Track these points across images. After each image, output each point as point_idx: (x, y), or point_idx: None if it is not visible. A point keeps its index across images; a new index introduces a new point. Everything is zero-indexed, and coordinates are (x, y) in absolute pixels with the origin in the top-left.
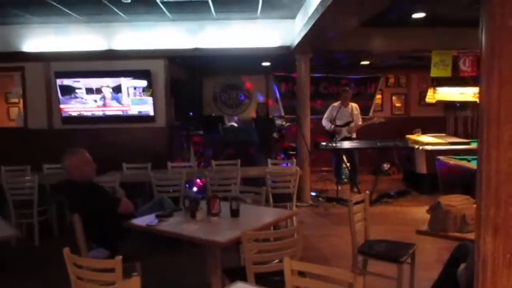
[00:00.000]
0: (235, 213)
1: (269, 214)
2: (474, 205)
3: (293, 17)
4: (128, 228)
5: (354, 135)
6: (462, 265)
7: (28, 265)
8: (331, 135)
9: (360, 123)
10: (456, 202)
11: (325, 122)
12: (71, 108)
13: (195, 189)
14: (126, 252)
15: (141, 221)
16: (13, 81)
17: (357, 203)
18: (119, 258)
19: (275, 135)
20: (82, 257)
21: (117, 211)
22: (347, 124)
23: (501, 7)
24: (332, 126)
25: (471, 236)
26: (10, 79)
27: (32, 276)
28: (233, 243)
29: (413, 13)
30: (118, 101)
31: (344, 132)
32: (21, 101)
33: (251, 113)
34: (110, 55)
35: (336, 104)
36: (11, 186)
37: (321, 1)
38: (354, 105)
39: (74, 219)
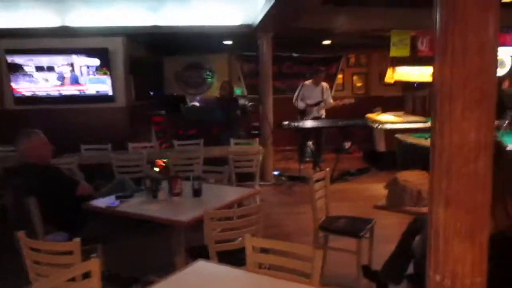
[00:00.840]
0: (197, 193)
1: (231, 193)
2: None
3: None
4: (88, 210)
5: (323, 115)
6: (418, 237)
7: None
8: (302, 114)
9: (331, 101)
10: (412, 177)
11: (297, 102)
12: (24, 88)
13: (156, 169)
14: (87, 235)
15: (101, 202)
16: None
17: (318, 180)
18: (77, 240)
19: (238, 112)
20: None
21: (76, 194)
22: (318, 103)
23: None
24: (304, 105)
25: (426, 209)
26: None
27: None
28: (196, 222)
29: None
30: (76, 80)
31: (314, 111)
32: None
33: (214, 92)
34: (64, 32)
35: (307, 82)
36: None
37: None
38: (325, 85)
39: (30, 202)
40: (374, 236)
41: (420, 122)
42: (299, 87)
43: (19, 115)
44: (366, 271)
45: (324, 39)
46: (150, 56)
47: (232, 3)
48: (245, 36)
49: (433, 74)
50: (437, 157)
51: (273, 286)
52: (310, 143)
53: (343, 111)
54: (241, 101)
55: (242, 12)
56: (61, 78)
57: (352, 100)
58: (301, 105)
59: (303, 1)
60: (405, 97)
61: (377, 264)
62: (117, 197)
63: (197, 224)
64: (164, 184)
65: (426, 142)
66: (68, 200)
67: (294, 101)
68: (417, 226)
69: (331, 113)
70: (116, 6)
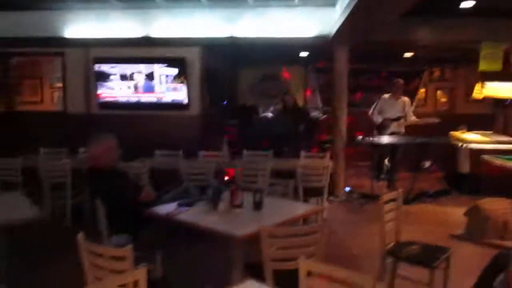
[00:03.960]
0: (258, 206)
1: (294, 209)
2: None
3: (333, 4)
4: (149, 216)
5: (403, 131)
6: (501, 276)
7: (58, 246)
8: (379, 129)
9: (412, 118)
10: (497, 206)
11: (374, 115)
12: (107, 94)
13: (223, 176)
14: (147, 240)
15: (162, 209)
16: (55, 66)
17: (389, 200)
18: (129, 247)
19: (301, 127)
20: (103, 242)
21: (138, 199)
22: (398, 119)
23: None
24: (381, 120)
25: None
26: (54, 65)
27: (60, 258)
28: (252, 237)
29: (462, 1)
30: (150, 88)
31: (393, 127)
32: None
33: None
34: (146, 42)
35: (386, 96)
36: (47, 168)
37: None
38: (406, 99)
39: (97, 205)
40: (450, 268)
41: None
42: (377, 101)
43: (102, 119)
44: None
45: (406, 52)
46: (226, 66)
47: (308, 13)
48: (320, 48)
49: None
50: None
51: None
52: (386, 160)
53: (423, 128)
54: (314, 113)
55: (318, 22)
56: (137, 86)
57: (437, 120)
58: (378, 119)
59: (382, 11)
60: (495, 115)
61: None
62: (179, 205)
63: (258, 238)
64: (226, 195)
65: None
66: (130, 205)
67: (370, 114)
68: (501, 262)
69: (409, 129)
70: (195, 16)
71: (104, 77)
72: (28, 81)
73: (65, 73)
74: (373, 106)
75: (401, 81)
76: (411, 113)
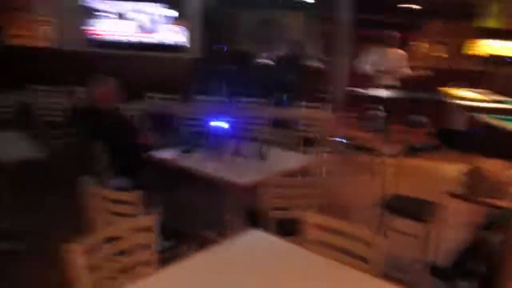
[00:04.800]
0: (262, 156)
1: (296, 160)
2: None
3: None
4: (149, 159)
5: (397, 84)
6: (498, 238)
7: (53, 182)
8: (371, 81)
9: (406, 71)
10: (494, 167)
11: (367, 66)
12: (102, 31)
13: (223, 124)
14: (146, 183)
15: (164, 154)
16: None
17: (389, 155)
18: (139, 192)
19: (292, 77)
20: (103, 184)
21: (138, 142)
22: (391, 71)
23: None
24: (372, 71)
25: (504, 203)
26: None
27: (56, 191)
28: (255, 186)
29: None
30: (147, 29)
31: (386, 79)
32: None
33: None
34: None
35: (379, 48)
36: (43, 106)
37: None
38: (401, 52)
39: (96, 146)
40: (441, 222)
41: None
42: (372, 52)
43: (96, 58)
44: (434, 270)
45: (406, 2)
46: (226, 9)
47: None
48: None
49: None
50: None
51: (330, 270)
52: (378, 112)
53: (417, 82)
54: (314, 62)
55: None
56: (138, 26)
57: (430, 73)
58: (368, 70)
59: None
60: (492, 74)
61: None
62: (181, 151)
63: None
64: (230, 143)
65: None
66: (130, 147)
67: (359, 64)
68: (493, 221)
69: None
70: None
71: (93, 13)
72: (15, 14)
73: (54, 6)
74: (364, 57)
75: (396, 33)
76: (406, 67)
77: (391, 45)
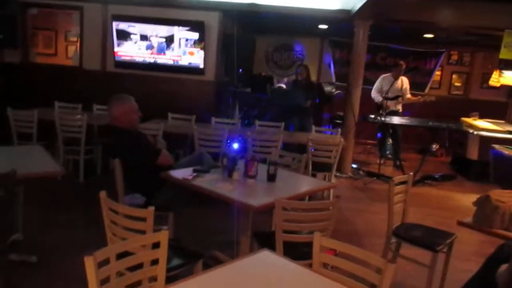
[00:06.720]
0: (271, 178)
1: (306, 183)
2: None
3: None
4: (164, 179)
5: (400, 110)
6: (504, 266)
7: (71, 200)
8: (379, 108)
9: (408, 96)
10: (507, 198)
11: (375, 94)
12: (124, 52)
13: (235, 145)
14: (160, 202)
15: (178, 174)
16: (72, 20)
17: (400, 183)
18: (151, 208)
19: (308, 103)
20: (119, 201)
21: (156, 162)
22: (396, 98)
23: None
24: (381, 99)
25: None
26: (70, 18)
27: (74, 210)
28: (265, 208)
29: None
30: (164, 51)
31: (392, 106)
32: (78, 40)
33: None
34: (165, 2)
35: (387, 75)
36: (62, 123)
37: None
38: (404, 79)
39: (115, 164)
40: (452, 252)
41: None
42: (379, 80)
43: (117, 78)
44: None
45: (426, 32)
46: (243, 33)
47: None
48: (341, 22)
49: None
50: None
51: None
52: (390, 139)
53: (433, 111)
54: (327, 88)
55: None
56: (153, 46)
57: (433, 98)
58: (377, 98)
59: None
60: (509, 104)
61: (450, 282)
62: (194, 171)
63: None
64: (240, 165)
65: None
66: (148, 167)
67: (372, 93)
68: (505, 253)
69: (421, 111)
70: None
71: (122, 35)
72: (43, 33)
73: (82, 28)
74: (375, 86)
75: (404, 63)
76: (408, 93)
77: (396, 72)
